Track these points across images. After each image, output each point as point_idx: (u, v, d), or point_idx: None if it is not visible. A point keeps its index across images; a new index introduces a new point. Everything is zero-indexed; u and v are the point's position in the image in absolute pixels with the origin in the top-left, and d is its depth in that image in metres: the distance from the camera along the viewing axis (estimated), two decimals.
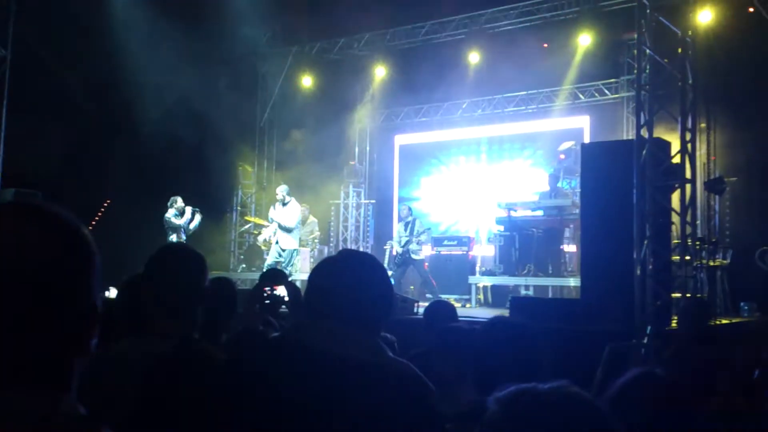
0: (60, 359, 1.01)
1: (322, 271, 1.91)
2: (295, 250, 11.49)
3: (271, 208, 11.84)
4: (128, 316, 2.51)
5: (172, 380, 2.06)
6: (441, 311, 4.28)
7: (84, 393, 1.08)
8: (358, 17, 13.18)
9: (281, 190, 11.48)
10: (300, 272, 12.22)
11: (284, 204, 11.34)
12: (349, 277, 1.84)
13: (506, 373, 2.38)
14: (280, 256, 11.32)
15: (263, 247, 13.59)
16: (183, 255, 2.31)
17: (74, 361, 1.03)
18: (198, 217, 11.59)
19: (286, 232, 11.30)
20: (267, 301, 2.65)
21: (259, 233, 14.10)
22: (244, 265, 13.93)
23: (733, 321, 8.27)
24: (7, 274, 0.97)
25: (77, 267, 1.03)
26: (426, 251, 12.07)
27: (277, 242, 11.40)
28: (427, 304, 7.35)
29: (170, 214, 11.42)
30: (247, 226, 15.04)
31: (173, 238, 11.33)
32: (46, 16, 10.83)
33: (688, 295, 6.77)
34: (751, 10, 9.99)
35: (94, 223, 12.69)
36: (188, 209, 11.55)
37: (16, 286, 0.97)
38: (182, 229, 11.43)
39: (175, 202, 11.53)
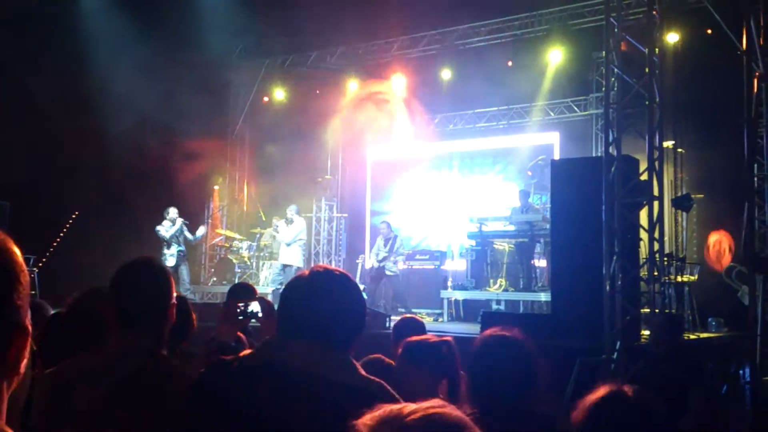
0: None
1: (294, 287, 1.88)
2: (297, 267, 11.77)
3: (282, 222, 12.38)
4: (82, 330, 2.48)
5: (140, 396, 2.03)
6: (409, 327, 4.27)
7: (50, 409, 1.05)
8: (331, 31, 13.23)
9: (291, 210, 12.21)
10: (271, 285, 12.18)
11: (291, 222, 12.08)
12: (322, 294, 1.80)
13: (502, 388, 2.40)
14: (281, 272, 11.76)
15: (234, 261, 13.51)
16: (148, 269, 2.28)
17: (1, 383, 0.99)
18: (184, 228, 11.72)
19: (286, 247, 11.91)
20: (240, 317, 2.63)
21: (230, 246, 14.01)
22: (215, 278, 13.82)
23: (701, 336, 8.38)
24: None
25: (3, 283, 0.98)
26: (399, 267, 12.09)
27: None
28: (398, 318, 7.35)
29: (162, 225, 11.51)
30: (218, 239, 14.93)
31: (166, 251, 11.39)
32: (12, 25, 10.68)
33: (657, 311, 6.85)
34: (709, 31, 10.21)
35: (62, 234, 12.51)
36: (179, 220, 11.55)
37: None
38: (174, 241, 11.41)
39: (167, 213, 11.53)
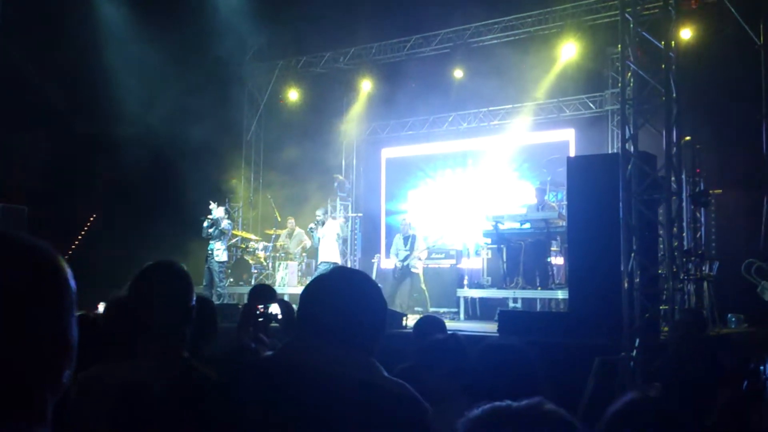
0: (33, 392, 0.99)
1: (314, 288, 1.88)
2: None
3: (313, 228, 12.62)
4: (115, 336, 2.48)
5: (162, 399, 2.04)
6: (430, 326, 4.27)
7: (73, 416, 1.06)
8: (344, 32, 13.23)
9: (320, 212, 12.74)
10: (288, 286, 12.21)
11: (323, 224, 12.38)
12: (343, 296, 1.80)
13: (502, 396, 2.38)
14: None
15: (251, 261, 13.54)
16: (168, 273, 2.28)
17: (47, 393, 1.01)
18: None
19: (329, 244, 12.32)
20: (260, 319, 2.63)
21: (246, 247, 14.06)
22: (231, 279, 13.86)
23: (721, 333, 8.30)
24: None
25: (52, 301, 1.01)
26: (420, 264, 12.08)
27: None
28: (415, 317, 7.36)
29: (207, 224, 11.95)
30: (234, 240, 14.97)
31: (213, 244, 11.87)
32: (29, 31, 10.78)
33: (676, 308, 6.79)
34: (728, 30, 10.11)
35: (80, 237, 12.60)
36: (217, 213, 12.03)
37: None
38: (217, 236, 11.70)
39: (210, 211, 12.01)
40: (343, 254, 15.54)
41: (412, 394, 1.73)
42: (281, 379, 1.72)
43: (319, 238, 12.32)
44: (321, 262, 12.25)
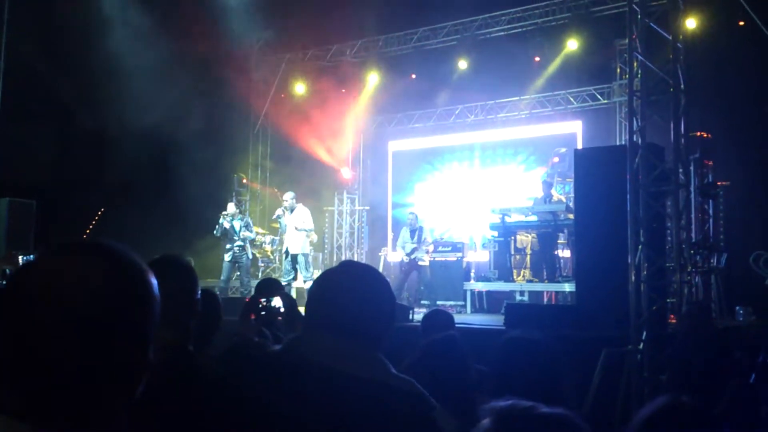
0: (112, 400, 1.01)
1: (322, 282, 1.86)
2: (307, 254, 11.44)
3: (280, 214, 11.69)
4: None
5: (167, 392, 2.04)
6: (438, 320, 4.27)
7: None
8: (350, 24, 13.21)
9: (289, 197, 11.46)
10: (294, 279, 12.20)
11: (291, 210, 11.32)
12: (351, 290, 1.78)
13: (525, 391, 2.37)
14: (293, 261, 11.25)
15: (258, 255, 13.56)
16: (173, 267, 2.29)
17: (124, 401, 1.03)
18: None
19: (299, 234, 11.22)
20: (262, 312, 2.63)
21: (253, 240, 14.07)
22: (238, 273, 13.87)
23: (729, 325, 8.27)
24: (72, 313, 0.95)
25: (140, 312, 1.03)
26: (427, 257, 12.06)
27: (287, 253, 11.28)
28: (421, 310, 7.36)
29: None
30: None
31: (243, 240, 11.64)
32: (38, 25, 10.80)
33: (684, 300, 6.77)
34: (742, 23, 10.04)
35: (88, 232, 12.64)
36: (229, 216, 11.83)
37: (74, 332, 0.95)
38: (231, 235, 11.64)
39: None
40: (350, 247, 15.57)
41: (418, 391, 1.71)
42: (285, 374, 1.71)
43: (285, 226, 11.49)
44: (286, 259, 11.42)
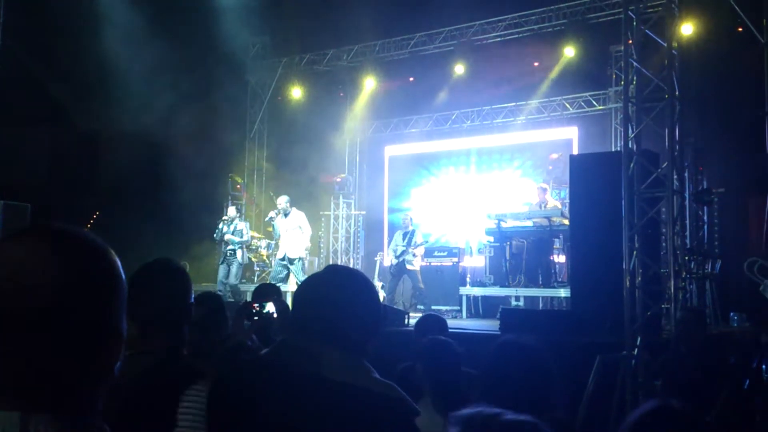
0: (84, 383, 1.00)
1: (308, 287, 1.87)
2: (303, 258, 11.37)
3: (273, 216, 11.69)
4: None
5: (155, 395, 2.04)
6: (432, 325, 4.27)
7: None
8: (347, 29, 13.23)
9: (283, 201, 11.41)
10: (290, 284, 12.17)
11: (286, 214, 11.27)
12: (335, 295, 1.77)
13: (515, 394, 2.37)
14: (289, 265, 11.18)
15: (253, 259, 13.53)
16: (166, 271, 2.29)
17: (98, 384, 1.02)
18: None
19: (298, 238, 11.19)
20: (255, 318, 2.63)
21: (249, 245, 14.04)
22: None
23: (723, 331, 8.29)
24: (26, 300, 0.95)
25: (106, 292, 1.03)
26: (418, 262, 12.05)
27: (285, 256, 11.23)
28: (417, 315, 7.35)
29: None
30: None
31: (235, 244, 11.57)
32: (32, 28, 10.79)
33: (678, 306, 6.78)
34: (740, 29, 10.07)
35: None
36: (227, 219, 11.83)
37: (36, 313, 0.95)
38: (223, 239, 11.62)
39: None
40: (346, 252, 15.57)
41: (399, 396, 1.70)
42: (268, 379, 1.71)
43: (278, 229, 11.41)
44: (280, 259, 11.29)
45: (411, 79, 14.53)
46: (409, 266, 11.63)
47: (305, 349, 1.72)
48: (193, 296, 2.33)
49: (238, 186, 15.39)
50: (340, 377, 1.66)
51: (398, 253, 11.74)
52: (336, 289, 1.80)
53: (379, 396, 1.66)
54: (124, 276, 1.06)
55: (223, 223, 11.70)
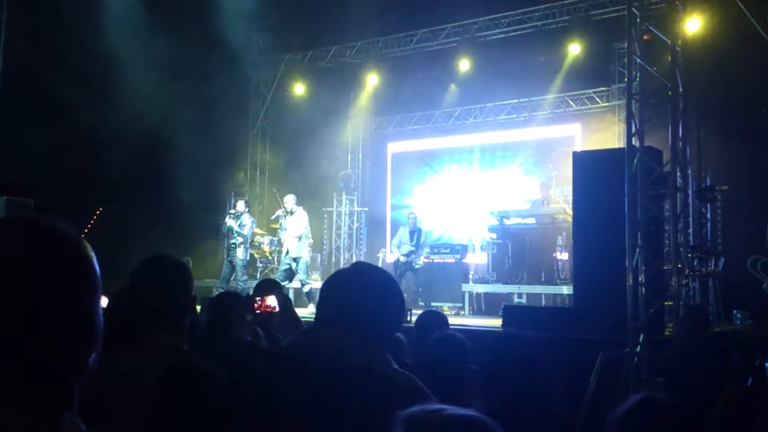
0: (59, 377, 0.99)
1: (334, 281, 1.92)
2: (306, 258, 11.30)
3: (280, 215, 11.67)
4: (119, 327, 2.48)
5: (177, 395, 2.03)
6: (432, 321, 4.27)
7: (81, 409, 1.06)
8: (350, 26, 13.21)
9: (290, 200, 11.41)
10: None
11: (291, 213, 11.29)
12: (361, 289, 1.84)
13: (513, 387, 2.38)
14: (292, 262, 11.14)
15: (256, 255, 13.53)
16: (167, 265, 2.29)
17: (73, 376, 1.01)
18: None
19: (296, 240, 11.14)
20: (257, 312, 2.63)
21: (252, 241, 14.04)
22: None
23: (726, 329, 8.28)
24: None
25: (76, 282, 1.01)
26: (421, 259, 12.04)
27: (287, 252, 11.24)
28: (419, 311, 7.35)
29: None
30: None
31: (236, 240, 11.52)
32: (36, 24, 10.79)
33: (681, 303, 6.77)
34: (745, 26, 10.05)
35: (86, 231, 12.63)
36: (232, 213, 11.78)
37: (9, 305, 0.94)
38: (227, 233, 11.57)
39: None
40: (349, 248, 15.56)
41: (420, 387, 1.77)
42: (290, 366, 1.77)
43: (285, 229, 11.33)
44: (284, 256, 11.27)
45: (419, 74, 14.48)
46: (416, 265, 11.65)
47: (328, 338, 1.78)
48: (194, 291, 2.33)
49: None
50: (361, 366, 1.72)
51: (404, 251, 11.72)
52: (362, 283, 1.86)
53: (399, 385, 1.71)
54: (98, 268, 1.05)
55: (230, 216, 11.69)
